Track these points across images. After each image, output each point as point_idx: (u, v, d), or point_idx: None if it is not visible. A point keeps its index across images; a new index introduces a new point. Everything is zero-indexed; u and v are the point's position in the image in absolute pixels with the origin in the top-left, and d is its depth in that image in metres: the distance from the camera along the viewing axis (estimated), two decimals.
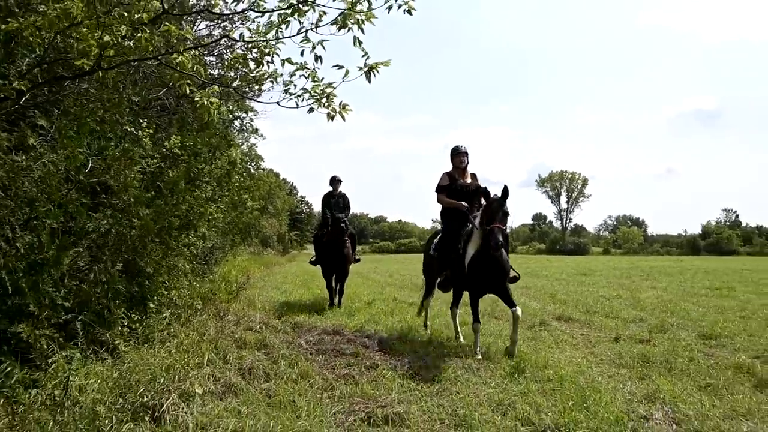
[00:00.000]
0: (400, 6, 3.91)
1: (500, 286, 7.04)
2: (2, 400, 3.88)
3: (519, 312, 6.83)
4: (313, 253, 12.38)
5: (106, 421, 3.88)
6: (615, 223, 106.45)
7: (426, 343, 7.63)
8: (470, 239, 7.13)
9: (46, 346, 4.49)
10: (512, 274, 7.34)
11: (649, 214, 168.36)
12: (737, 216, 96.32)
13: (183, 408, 4.46)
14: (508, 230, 6.99)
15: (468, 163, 7.91)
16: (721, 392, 5.34)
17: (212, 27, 10.20)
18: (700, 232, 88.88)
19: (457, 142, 7.90)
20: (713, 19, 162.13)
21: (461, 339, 7.82)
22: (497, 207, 6.63)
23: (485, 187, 6.93)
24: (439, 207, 8.06)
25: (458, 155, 7.84)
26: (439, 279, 8.24)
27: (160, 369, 5.03)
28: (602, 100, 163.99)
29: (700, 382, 5.69)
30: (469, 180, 7.87)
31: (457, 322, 8.05)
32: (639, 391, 5.38)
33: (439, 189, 7.86)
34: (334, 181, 11.69)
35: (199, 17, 8.08)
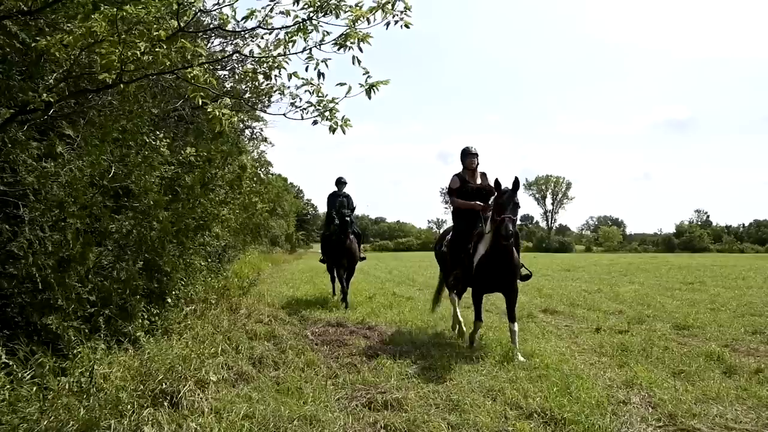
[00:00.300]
0: (396, 22, 3.92)
1: (509, 285, 6.57)
2: (34, 387, 3.89)
3: (515, 328, 6.50)
4: (320, 252, 12.12)
5: (128, 406, 3.88)
6: (596, 223, 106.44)
7: (422, 334, 7.62)
8: (481, 239, 6.66)
9: (72, 338, 4.50)
10: (524, 272, 6.92)
11: (627, 214, 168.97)
12: (708, 216, 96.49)
13: (199, 394, 4.46)
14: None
15: (478, 163, 7.34)
16: (693, 378, 5.33)
17: (225, 44, 10.25)
18: (674, 231, 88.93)
19: (467, 144, 7.34)
20: (682, 37, 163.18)
21: (464, 330, 7.37)
22: (508, 198, 6.15)
23: (496, 179, 6.39)
24: (449, 208, 7.66)
25: (469, 156, 7.26)
26: (450, 278, 7.65)
27: (177, 358, 5.03)
28: (583, 110, 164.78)
29: (674, 368, 5.68)
30: (479, 180, 7.31)
31: (459, 314, 7.57)
32: (618, 377, 5.37)
33: (452, 192, 7.34)
34: (340, 182, 11.34)
35: (212, 34, 8.10)
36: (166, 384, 4.46)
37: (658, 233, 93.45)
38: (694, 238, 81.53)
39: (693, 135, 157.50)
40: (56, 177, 4.60)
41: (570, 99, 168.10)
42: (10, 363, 3.81)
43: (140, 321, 5.61)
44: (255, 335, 6.99)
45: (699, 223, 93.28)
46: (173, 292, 6.69)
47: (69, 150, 5.03)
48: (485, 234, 6.54)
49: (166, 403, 4.22)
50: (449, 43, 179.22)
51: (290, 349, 6.39)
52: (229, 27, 4.55)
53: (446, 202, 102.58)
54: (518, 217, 6.37)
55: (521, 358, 6.00)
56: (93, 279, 4.98)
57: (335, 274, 11.32)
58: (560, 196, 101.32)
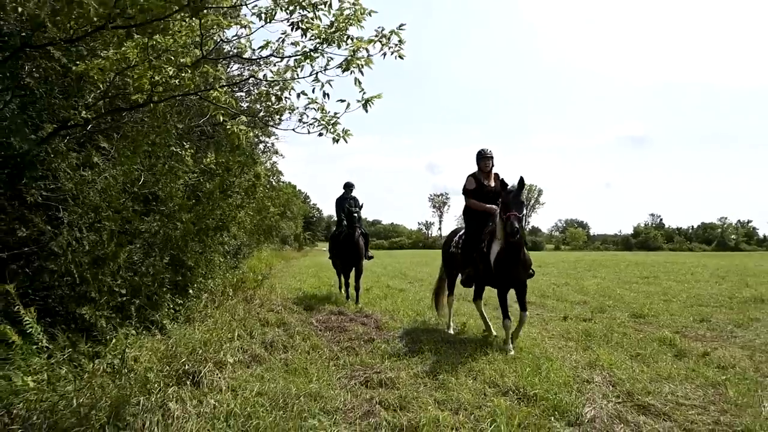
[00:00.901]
0: (393, 53, 3.94)
1: (522, 282, 6.12)
2: (72, 369, 3.86)
3: (526, 316, 6.16)
4: (329, 251, 11.05)
5: (155, 385, 3.86)
6: (564, 225, 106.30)
7: (412, 321, 7.60)
8: (494, 237, 6.12)
9: (105, 325, 4.47)
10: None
11: (591, 217, 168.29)
12: (661, 219, 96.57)
13: (217, 374, 4.45)
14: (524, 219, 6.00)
15: (493, 165, 6.61)
16: (648, 360, 5.34)
17: (242, 69, 10.23)
18: (632, 232, 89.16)
19: (483, 146, 6.64)
20: (639, 65, 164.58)
21: (493, 332, 6.72)
22: (513, 197, 5.74)
23: (502, 179, 5.98)
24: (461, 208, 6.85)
25: (484, 159, 6.56)
26: (461, 277, 6.91)
27: (199, 343, 5.01)
28: (553, 127, 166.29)
29: (632, 352, 5.69)
30: (493, 182, 6.60)
31: (485, 314, 6.93)
32: (583, 359, 5.38)
33: (467, 193, 6.64)
34: (348, 186, 10.39)
35: (231, 61, 8.09)
36: (189, 365, 4.45)
37: (618, 234, 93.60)
38: (649, 238, 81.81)
39: (648, 149, 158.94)
40: (93, 184, 4.59)
41: (543, 117, 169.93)
42: (50, 347, 3.77)
43: (166, 310, 5.59)
44: (267, 322, 6.97)
45: (653, 225, 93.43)
46: (195, 285, 6.66)
47: (104, 160, 5.02)
48: (496, 232, 6.05)
49: (188, 382, 4.22)
50: (438, 68, 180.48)
51: (297, 334, 6.37)
52: (246, 54, 4.56)
53: (435, 207, 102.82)
54: (524, 214, 5.94)
55: (511, 350, 5.71)
56: (124, 274, 4.95)
57: (341, 272, 10.42)
58: (533, 201, 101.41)
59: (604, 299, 10.15)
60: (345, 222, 9.71)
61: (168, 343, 4.91)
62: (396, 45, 3.91)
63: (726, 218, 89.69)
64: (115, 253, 4.74)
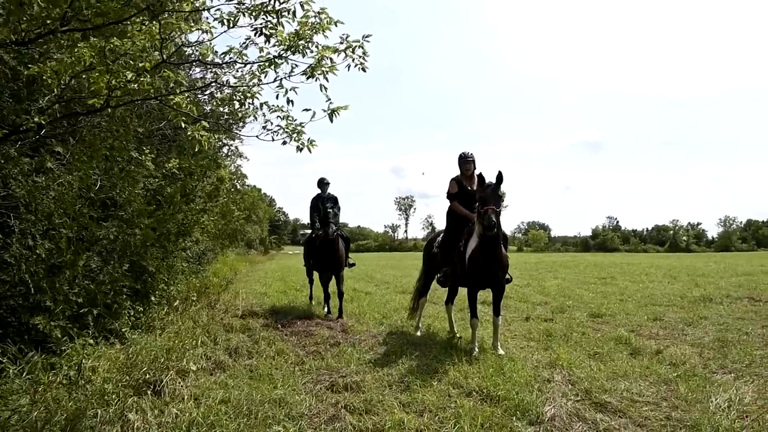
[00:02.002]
0: (357, 66, 3.95)
1: (498, 281, 5.98)
2: (27, 382, 3.71)
3: (499, 322, 6.04)
4: (303, 258, 9.64)
5: (113, 396, 3.74)
6: (526, 227, 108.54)
7: (379, 324, 7.59)
8: (471, 236, 6.04)
9: (60, 335, 4.31)
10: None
11: (552, 220, 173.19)
12: (618, 222, 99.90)
13: (179, 382, 4.36)
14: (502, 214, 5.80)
15: (474, 168, 6.57)
16: (605, 359, 5.46)
17: (205, 72, 10.03)
18: (591, 234, 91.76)
19: (457, 148, 6.72)
20: (594, 72, 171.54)
21: (456, 333, 6.80)
22: (491, 191, 5.63)
23: (480, 173, 5.85)
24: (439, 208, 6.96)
25: (466, 163, 6.54)
26: (438, 275, 6.89)
27: (161, 351, 4.89)
28: (514, 133, 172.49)
29: (590, 351, 5.80)
30: (476, 185, 6.46)
31: (452, 317, 7.00)
32: (544, 359, 5.46)
33: (451, 197, 6.63)
34: (322, 183, 8.97)
35: (194, 66, 7.92)
36: (149, 374, 4.34)
37: (578, 236, 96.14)
38: (606, 240, 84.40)
39: (604, 154, 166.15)
40: (46, 190, 4.41)
41: (504, 123, 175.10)
42: (3, 360, 3.61)
43: (126, 318, 5.43)
44: (231, 328, 6.84)
45: (611, 227, 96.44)
46: (156, 292, 6.49)
47: (59, 166, 4.83)
48: (474, 231, 5.96)
49: (149, 392, 4.11)
50: (404, 74, 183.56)
51: (263, 339, 6.28)
52: (210, 58, 4.48)
53: (401, 209, 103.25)
54: (501, 208, 5.81)
55: (501, 351, 5.72)
56: (81, 282, 4.78)
57: (314, 278, 9.22)
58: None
59: (565, 300, 10.33)
60: (319, 224, 8.44)
61: (128, 352, 4.77)
62: (360, 57, 3.91)
63: (677, 220, 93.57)
64: (72, 261, 4.57)
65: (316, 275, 9.13)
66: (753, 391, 4.30)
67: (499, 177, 5.68)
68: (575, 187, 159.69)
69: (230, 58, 3.90)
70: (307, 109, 4.02)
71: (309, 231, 9.50)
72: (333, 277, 8.64)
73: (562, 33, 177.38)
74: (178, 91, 3.65)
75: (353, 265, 9.14)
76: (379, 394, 4.34)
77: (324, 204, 8.41)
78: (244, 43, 3.88)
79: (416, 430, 3.63)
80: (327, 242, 8.24)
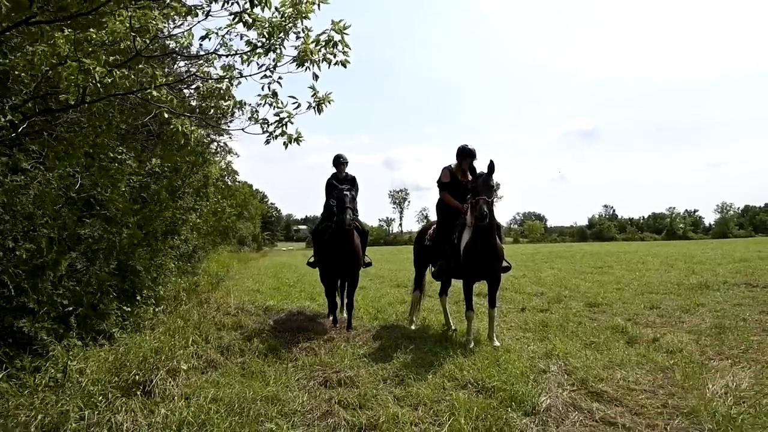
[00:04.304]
0: (338, 63, 3.90)
1: (493, 272, 5.95)
2: (11, 385, 3.67)
3: (495, 314, 6.03)
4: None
5: (100, 397, 3.71)
6: (522, 218, 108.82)
7: (373, 319, 7.59)
8: (465, 228, 5.97)
9: (46, 337, 4.26)
10: (504, 264, 6.13)
11: (548, 210, 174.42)
12: (614, 210, 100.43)
13: (170, 382, 4.33)
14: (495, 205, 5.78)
15: (472, 162, 6.41)
16: (602, 348, 5.49)
17: (190, 65, 9.92)
18: (587, 224, 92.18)
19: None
20: (588, 60, 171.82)
21: (452, 326, 6.78)
22: (483, 181, 5.60)
23: (470, 162, 5.76)
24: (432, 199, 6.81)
25: (466, 158, 6.39)
26: (433, 269, 6.77)
27: (150, 351, 4.85)
28: (507, 124, 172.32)
29: (586, 340, 5.83)
30: (470, 176, 6.35)
31: (447, 310, 6.96)
32: (540, 349, 5.47)
33: (442, 186, 6.53)
34: (339, 162, 7.61)
35: (175, 57, 7.81)
36: (139, 375, 4.31)
37: (574, 225, 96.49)
38: (603, 229, 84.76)
39: (598, 143, 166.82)
40: (26, 190, 4.33)
41: (497, 114, 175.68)
42: None
43: (114, 318, 5.38)
44: (223, 326, 6.80)
45: (607, 216, 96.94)
46: (145, 291, 6.44)
47: (36, 165, 4.74)
48: (468, 224, 5.89)
49: (138, 392, 4.08)
50: (394, 66, 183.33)
51: (255, 336, 6.26)
52: (194, 50, 4.42)
53: (395, 203, 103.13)
54: (494, 198, 5.73)
55: (496, 343, 5.71)
56: (66, 283, 4.72)
57: (332, 285, 7.47)
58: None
59: (561, 290, 10.37)
60: (335, 213, 6.66)
61: (117, 353, 4.73)
62: (341, 52, 3.86)
63: (674, 208, 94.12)
64: (55, 261, 4.51)
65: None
66: (750, 376, 4.34)
67: (491, 167, 5.68)
68: (570, 177, 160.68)
69: (212, 45, 3.85)
70: (293, 97, 3.98)
71: (316, 223, 8.37)
72: (346, 279, 7.21)
73: (552, 21, 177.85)
74: (154, 84, 3.58)
75: (370, 264, 7.70)
76: (373, 388, 4.34)
77: (339, 188, 6.80)
78: (222, 27, 3.81)
79: (411, 424, 3.62)
80: (340, 237, 6.66)
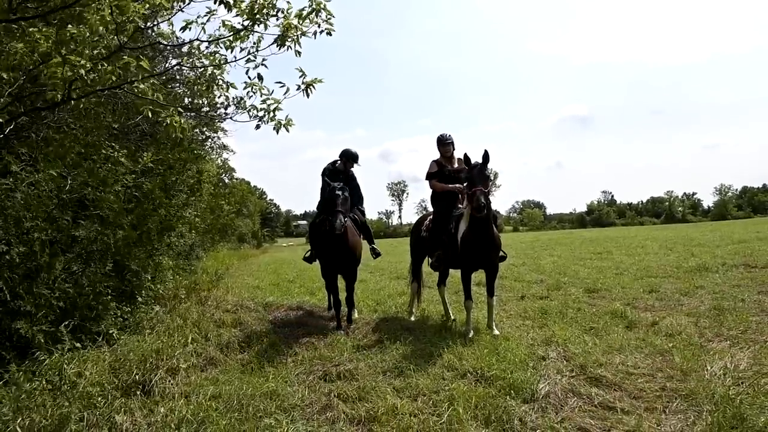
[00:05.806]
0: (322, 32, 3.86)
1: (491, 261, 5.94)
2: (9, 390, 3.66)
3: (494, 302, 6.00)
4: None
5: (99, 399, 3.70)
6: (521, 206, 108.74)
7: (372, 311, 7.60)
8: (461, 219, 6.00)
9: (42, 340, 4.24)
10: (500, 253, 6.10)
11: (546, 197, 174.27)
12: (612, 196, 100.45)
13: (170, 381, 4.34)
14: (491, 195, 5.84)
15: (454, 149, 6.62)
16: (601, 333, 5.49)
17: (180, 61, 9.84)
18: (586, 210, 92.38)
19: (443, 131, 6.60)
20: (579, 45, 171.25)
21: (451, 316, 6.79)
22: (478, 172, 5.59)
23: (465, 154, 5.71)
24: (428, 192, 6.82)
25: (444, 145, 6.57)
26: (430, 259, 6.80)
27: (149, 350, 4.83)
28: (501, 113, 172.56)
29: (586, 326, 5.82)
30: (456, 165, 6.56)
31: (446, 300, 6.98)
32: (539, 336, 5.47)
33: (430, 176, 6.65)
34: (347, 156, 7.39)
35: (158, 49, 7.72)
36: (138, 375, 4.30)
37: (573, 212, 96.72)
38: (602, 214, 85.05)
39: (593, 128, 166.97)
40: (15, 193, 4.29)
41: (490, 104, 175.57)
42: None
43: (112, 319, 5.36)
44: (223, 323, 6.79)
45: (606, 202, 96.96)
46: (143, 291, 6.41)
47: (25, 167, 4.68)
48: (464, 214, 5.92)
49: (138, 392, 4.09)
50: (385, 58, 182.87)
51: (254, 333, 6.26)
52: (175, 40, 4.37)
53: (394, 195, 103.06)
54: (490, 189, 5.77)
55: (496, 332, 5.71)
56: (61, 285, 4.69)
57: (332, 280, 7.14)
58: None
59: (560, 277, 10.37)
60: (326, 202, 6.55)
61: (116, 354, 4.72)
62: (325, 21, 3.81)
63: (672, 191, 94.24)
64: (49, 264, 4.49)
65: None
66: (748, 357, 4.33)
67: (485, 156, 5.68)
68: (567, 163, 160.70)
69: (192, 34, 3.79)
70: (281, 83, 3.93)
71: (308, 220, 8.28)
72: (343, 275, 7.02)
73: (541, 7, 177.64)
74: (141, 76, 3.53)
75: (379, 255, 7.74)
76: (372, 381, 4.34)
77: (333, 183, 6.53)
78: (205, 14, 3.75)
79: (410, 415, 3.62)
80: (334, 234, 6.41)
